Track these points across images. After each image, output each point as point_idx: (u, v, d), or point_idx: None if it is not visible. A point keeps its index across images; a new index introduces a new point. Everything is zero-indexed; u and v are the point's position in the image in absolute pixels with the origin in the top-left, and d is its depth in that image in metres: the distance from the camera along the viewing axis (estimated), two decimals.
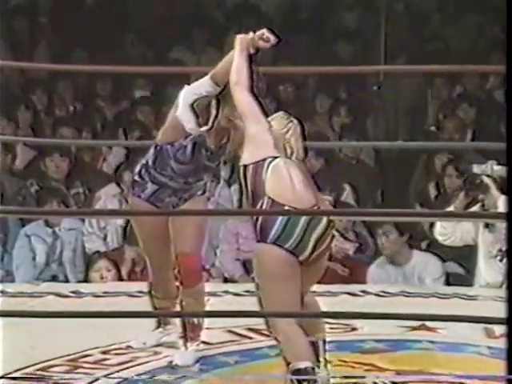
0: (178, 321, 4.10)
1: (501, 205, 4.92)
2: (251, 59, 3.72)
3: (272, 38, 3.74)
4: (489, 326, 4.29)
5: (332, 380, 3.68)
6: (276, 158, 3.59)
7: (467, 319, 3.54)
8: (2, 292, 4.89)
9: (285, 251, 3.51)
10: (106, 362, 4.05)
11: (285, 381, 3.59)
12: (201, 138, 3.90)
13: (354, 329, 4.35)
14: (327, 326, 4.29)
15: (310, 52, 6.75)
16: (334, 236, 3.66)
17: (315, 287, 3.84)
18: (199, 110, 3.88)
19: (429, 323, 4.29)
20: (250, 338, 4.28)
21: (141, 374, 3.91)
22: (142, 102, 6.68)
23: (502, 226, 4.88)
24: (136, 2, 7.28)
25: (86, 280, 5.37)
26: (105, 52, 6.65)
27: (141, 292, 4.98)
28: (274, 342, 3.98)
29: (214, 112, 3.87)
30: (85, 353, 4.10)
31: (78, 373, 3.94)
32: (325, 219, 3.57)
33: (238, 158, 3.67)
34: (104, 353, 4.12)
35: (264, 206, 3.53)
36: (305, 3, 7.59)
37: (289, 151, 3.63)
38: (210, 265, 5.64)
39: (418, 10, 7.31)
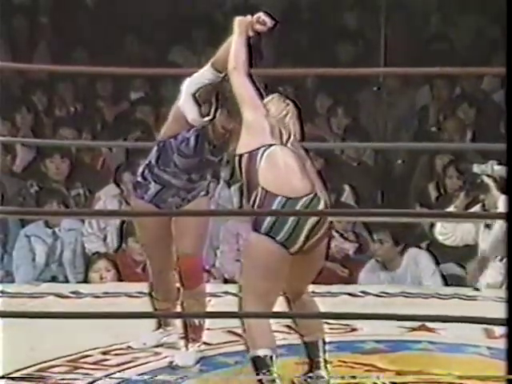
0: (178, 322, 4.10)
1: (501, 205, 4.92)
2: (250, 43, 3.72)
3: (268, 21, 3.74)
4: (489, 326, 4.29)
5: (332, 381, 3.68)
6: (271, 145, 3.55)
7: (467, 320, 3.54)
8: (2, 292, 4.89)
9: (276, 244, 3.49)
10: (106, 363, 4.04)
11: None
12: (203, 131, 3.89)
13: (353, 329, 4.35)
14: (327, 326, 4.28)
15: (309, 52, 6.75)
16: (330, 225, 3.60)
17: (315, 288, 3.88)
18: (202, 99, 3.87)
19: (429, 324, 4.29)
20: None
21: (141, 375, 3.91)
22: (142, 103, 6.68)
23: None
24: (136, 2, 7.28)
25: (85, 280, 5.37)
26: (105, 53, 6.65)
27: (141, 293, 4.98)
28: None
29: (214, 103, 3.85)
30: (85, 353, 4.10)
31: (77, 373, 3.94)
32: (319, 209, 3.53)
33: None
34: (104, 353, 4.12)
35: (258, 197, 3.50)
36: (305, 3, 7.59)
37: (285, 137, 3.59)
38: (210, 266, 5.64)
39: (418, 11, 7.31)
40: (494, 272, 5.04)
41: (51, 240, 5.58)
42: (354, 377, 3.85)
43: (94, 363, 4.04)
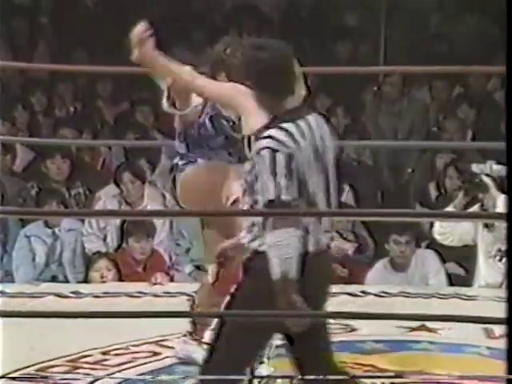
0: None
1: (500, 204, 4.91)
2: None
3: None
4: (489, 326, 4.29)
5: None
6: None
7: (467, 319, 3.53)
8: (2, 292, 4.89)
9: None
10: (106, 363, 4.04)
11: None
12: (215, 111, 3.87)
13: (353, 329, 4.35)
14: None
15: (309, 52, 6.74)
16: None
17: None
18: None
19: (429, 324, 4.29)
20: None
21: (141, 375, 3.90)
22: (142, 103, 6.68)
23: (501, 225, 4.88)
24: (135, 2, 7.28)
25: (85, 280, 5.37)
26: (105, 52, 6.64)
27: (141, 292, 4.99)
28: (276, 343, 3.96)
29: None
30: (84, 353, 4.09)
31: (77, 373, 3.93)
32: None
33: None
34: (104, 353, 4.12)
35: None
36: (304, 3, 7.60)
37: None
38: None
39: (418, 10, 7.31)
40: (494, 271, 5.04)
41: (51, 240, 5.57)
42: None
43: (94, 363, 4.03)
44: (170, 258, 5.61)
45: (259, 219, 3.01)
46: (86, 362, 4.03)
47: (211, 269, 3.86)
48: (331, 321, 4.16)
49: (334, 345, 4.09)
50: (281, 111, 3.01)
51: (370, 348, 4.21)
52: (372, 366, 4.04)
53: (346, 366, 3.83)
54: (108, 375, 3.91)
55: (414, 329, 4.37)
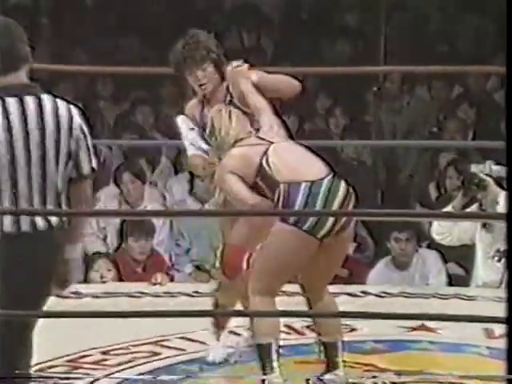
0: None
1: (502, 202, 4.90)
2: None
3: None
4: (489, 326, 4.29)
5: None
6: (271, 144, 3.62)
7: (467, 319, 3.53)
8: None
9: (304, 233, 3.51)
10: (106, 363, 4.04)
11: None
12: None
13: (353, 329, 4.34)
14: None
15: (310, 52, 6.75)
16: (356, 204, 3.59)
17: None
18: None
19: (429, 324, 4.29)
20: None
21: (141, 374, 3.90)
22: (142, 103, 6.68)
23: (499, 225, 4.88)
24: (136, 2, 7.28)
25: (85, 280, 5.37)
26: (105, 53, 6.65)
27: (141, 292, 4.99)
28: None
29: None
30: (84, 353, 4.09)
31: (77, 373, 3.93)
32: (341, 191, 3.55)
33: None
34: (104, 353, 4.12)
35: (281, 194, 3.53)
36: (305, 4, 7.60)
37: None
38: (210, 265, 5.65)
39: (419, 10, 7.31)
40: (492, 272, 5.04)
41: None
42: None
43: (94, 363, 4.03)
44: (170, 258, 5.61)
45: None
46: (86, 362, 4.03)
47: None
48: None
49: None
50: None
51: (370, 348, 4.21)
52: (372, 365, 4.04)
53: (347, 366, 3.86)
54: (108, 375, 3.91)
55: (414, 329, 4.36)
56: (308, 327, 4.29)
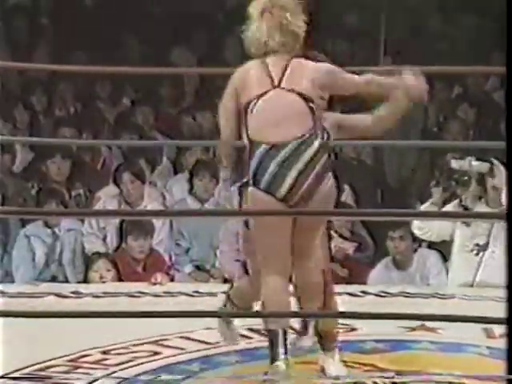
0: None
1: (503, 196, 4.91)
2: None
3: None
4: (488, 326, 4.29)
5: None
6: (264, 93, 3.56)
7: (467, 319, 3.53)
8: (2, 293, 4.89)
9: (263, 192, 3.55)
10: (106, 362, 4.04)
11: None
12: None
13: (353, 329, 4.35)
14: None
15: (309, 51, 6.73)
16: (324, 170, 3.57)
17: None
18: None
19: (429, 324, 4.29)
20: (251, 338, 4.28)
21: (140, 374, 3.90)
22: (142, 103, 6.68)
23: (478, 221, 4.90)
24: (135, 2, 7.28)
25: (85, 280, 5.37)
26: (104, 53, 6.65)
27: (141, 292, 5.00)
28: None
29: None
30: (84, 353, 4.09)
31: (77, 373, 3.93)
32: (306, 157, 3.53)
33: None
34: (104, 353, 4.12)
35: (247, 150, 3.55)
36: (307, 5, 7.58)
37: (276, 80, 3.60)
38: (210, 265, 5.65)
39: (419, 10, 7.32)
40: (470, 267, 5.04)
41: (51, 240, 5.57)
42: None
43: (94, 363, 4.03)
44: (170, 258, 5.61)
45: None
46: (86, 362, 4.03)
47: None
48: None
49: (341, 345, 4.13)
50: None
51: (370, 347, 4.21)
52: (372, 365, 4.04)
53: (346, 366, 3.86)
54: (108, 375, 3.91)
55: (414, 328, 4.37)
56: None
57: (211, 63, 6.64)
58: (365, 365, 4.01)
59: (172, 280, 5.41)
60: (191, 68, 6.75)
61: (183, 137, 6.35)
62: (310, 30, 3.73)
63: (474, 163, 4.95)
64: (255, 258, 3.75)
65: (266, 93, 3.59)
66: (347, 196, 5.83)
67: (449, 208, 5.04)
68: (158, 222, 5.52)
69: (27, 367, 3.93)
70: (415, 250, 5.31)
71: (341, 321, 4.25)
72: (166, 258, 5.56)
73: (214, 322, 4.11)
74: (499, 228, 5.01)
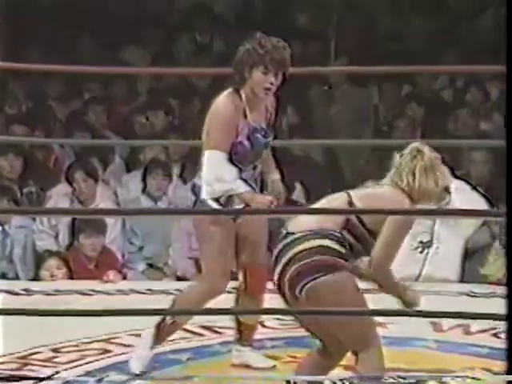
0: None
1: (455, 195, 4.97)
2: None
3: None
4: (436, 320, 4.34)
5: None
6: None
7: (468, 316, 3.51)
8: None
9: None
10: (56, 360, 4.03)
11: None
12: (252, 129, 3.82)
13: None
14: (278, 322, 4.32)
15: None
16: None
17: None
18: None
19: (379, 318, 4.31)
20: (202, 335, 4.29)
21: (89, 372, 3.89)
22: (95, 102, 6.67)
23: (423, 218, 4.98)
24: (89, 2, 7.26)
25: (36, 278, 5.35)
26: (58, 52, 6.63)
27: (93, 290, 4.98)
28: (225, 339, 3.97)
29: None
30: (34, 350, 4.08)
31: (27, 370, 3.92)
32: None
33: None
34: (54, 351, 4.11)
35: None
36: (258, 4, 7.63)
37: None
38: (162, 263, 5.65)
39: (370, 11, 7.38)
40: (414, 264, 5.10)
41: (1, 237, 5.54)
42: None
43: (44, 360, 4.02)
44: (123, 256, 5.61)
45: None
46: (36, 360, 4.01)
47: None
48: (283, 317, 4.22)
49: (285, 340, 4.15)
50: None
51: (320, 343, 4.22)
52: None
53: (297, 362, 3.88)
54: (57, 372, 3.89)
55: None
56: (259, 323, 4.31)
57: (164, 63, 6.65)
58: None
59: (125, 278, 5.40)
60: (143, 68, 6.75)
61: (136, 136, 6.34)
62: None
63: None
64: None
65: None
66: (298, 194, 5.87)
67: None
68: (110, 220, 5.51)
69: None
70: None
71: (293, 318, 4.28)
72: (119, 256, 5.55)
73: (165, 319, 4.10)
74: (441, 225, 5.08)
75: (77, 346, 4.15)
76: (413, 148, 3.50)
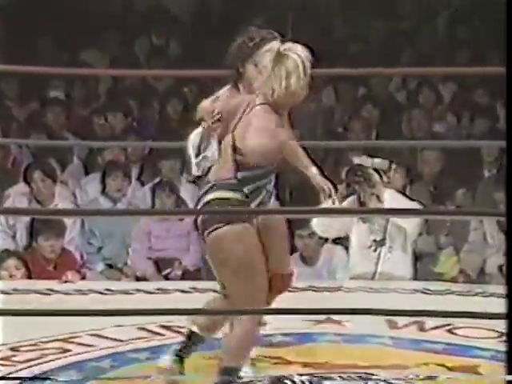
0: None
1: (387, 197, 5.06)
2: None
3: None
4: (392, 317, 4.40)
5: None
6: None
7: (467, 315, 3.55)
8: None
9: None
10: (15, 359, 4.02)
11: None
12: None
13: (263, 323, 4.41)
14: None
15: (219, 54, 6.81)
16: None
17: None
18: None
19: (334, 316, 4.37)
20: (162, 334, 4.31)
21: (47, 372, 3.89)
22: (53, 103, 6.66)
23: (376, 217, 5.04)
24: (48, 3, 7.25)
25: None
26: (16, 53, 6.61)
27: (51, 290, 4.98)
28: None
29: None
30: None
31: None
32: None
33: None
34: (12, 349, 4.10)
35: None
36: (215, 7, 7.67)
37: None
38: (122, 263, 5.66)
39: (324, 13, 7.45)
40: (368, 262, 5.17)
41: None
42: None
43: (2, 359, 4.01)
44: (82, 257, 5.61)
45: None
46: None
47: None
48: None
49: None
50: None
51: (277, 341, 4.27)
52: (280, 358, 4.11)
53: (256, 360, 3.92)
54: (16, 371, 3.89)
55: (320, 321, 4.44)
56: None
57: (123, 64, 6.66)
58: (273, 358, 4.07)
59: (84, 278, 5.40)
60: (102, 70, 6.76)
61: (95, 137, 6.35)
62: None
63: (376, 160, 5.09)
64: None
65: None
66: None
67: (346, 204, 5.15)
68: (68, 221, 5.51)
69: None
70: (321, 246, 5.42)
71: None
72: (78, 257, 5.56)
73: (124, 319, 4.13)
74: (394, 224, 5.16)
75: (36, 345, 4.15)
76: (276, 52, 3.48)
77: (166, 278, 5.51)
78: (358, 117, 6.56)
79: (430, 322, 4.42)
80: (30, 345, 4.14)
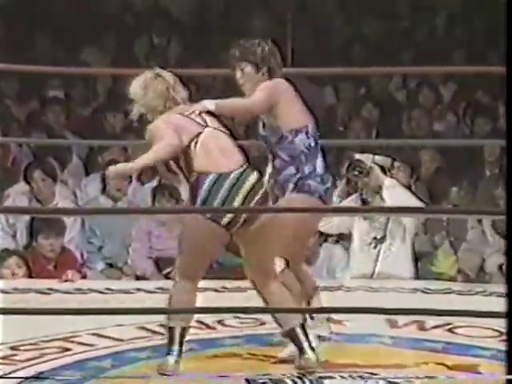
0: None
1: (386, 193, 5.07)
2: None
3: None
4: (392, 316, 4.41)
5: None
6: (200, 133, 3.75)
7: (467, 314, 3.56)
8: None
9: (207, 219, 3.68)
10: (15, 358, 4.03)
11: None
12: None
13: (262, 323, 4.42)
14: (239, 320, 4.36)
15: (219, 54, 6.82)
16: (266, 195, 3.70)
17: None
18: None
19: (334, 316, 4.38)
20: (163, 334, 4.31)
21: (47, 371, 3.89)
22: (53, 102, 6.67)
23: (377, 215, 5.06)
24: (47, 2, 7.26)
25: None
26: (16, 52, 6.61)
27: (51, 289, 4.98)
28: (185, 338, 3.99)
29: None
30: None
31: None
32: (247, 184, 3.67)
33: None
34: (12, 348, 4.10)
35: (193, 182, 3.71)
36: (214, 7, 7.68)
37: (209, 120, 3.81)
38: (122, 263, 5.67)
39: (323, 13, 7.46)
40: (368, 260, 5.17)
41: None
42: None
43: (3, 358, 4.01)
44: (82, 256, 5.62)
45: None
46: None
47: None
48: (242, 315, 4.26)
49: (244, 337, 4.18)
50: None
51: (278, 340, 4.27)
52: (280, 357, 4.10)
53: (257, 359, 3.92)
54: (16, 370, 3.89)
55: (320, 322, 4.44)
56: (219, 322, 4.36)
57: (123, 64, 6.66)
58: (273, 357, 4.06)
59: (84, 277, 5.41)
60: (101, 69, 6.76)
61: (95, 137, 6.36)
62: None
63: (377, 157, 5.11)
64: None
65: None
66: None
67: (349, 200, 5.16)
68: (69, 220, 5.52)
69: None
70: (320, 245, 5.43)
71: (251, 316, 4.33)
72: (78, 256, 5.56)
73: (124, 319, 4.14)
74: (395, 222, 5.17)
75: (36, 344, 4.15)
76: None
77: (167, 277, 5.51)
78: (359, 116, 6.58)
79: (430, 321, 4.43)
80: (31, 344, 4.15)
